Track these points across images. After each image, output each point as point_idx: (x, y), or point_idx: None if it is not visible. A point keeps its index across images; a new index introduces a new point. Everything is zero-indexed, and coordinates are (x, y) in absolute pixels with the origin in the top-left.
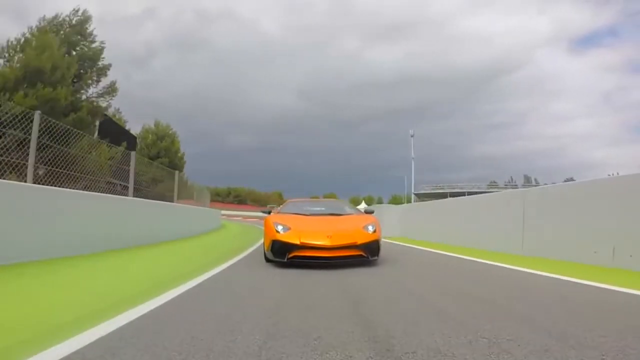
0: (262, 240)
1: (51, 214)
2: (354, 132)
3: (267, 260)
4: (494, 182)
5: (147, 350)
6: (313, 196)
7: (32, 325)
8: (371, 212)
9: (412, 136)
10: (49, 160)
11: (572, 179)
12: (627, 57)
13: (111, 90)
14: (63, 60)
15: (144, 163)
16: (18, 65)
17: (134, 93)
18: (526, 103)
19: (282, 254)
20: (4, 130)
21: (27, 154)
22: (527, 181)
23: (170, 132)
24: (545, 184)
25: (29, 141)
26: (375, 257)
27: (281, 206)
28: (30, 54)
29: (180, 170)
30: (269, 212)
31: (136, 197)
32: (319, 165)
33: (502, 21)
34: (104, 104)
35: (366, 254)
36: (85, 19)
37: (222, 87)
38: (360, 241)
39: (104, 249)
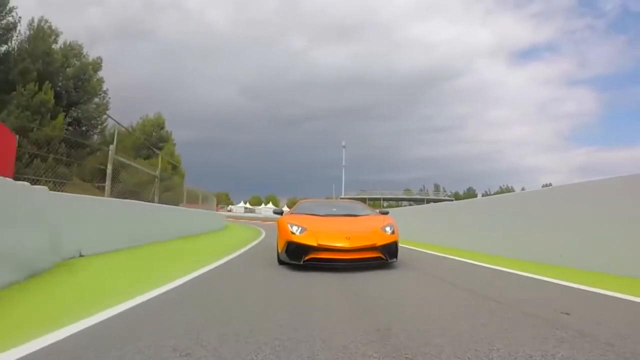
0: (263, 232)
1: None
2: (296, 130)
3: (281, 262)
4: (408, 189)
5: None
6: (254, 195)
7: (214, 248)
8: (386, 213)
9: (344, 147)
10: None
11: (472, 189)
12: (563, 71)
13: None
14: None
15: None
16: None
17: None
18: (466, 109)
19: (297, 257)
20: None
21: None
22: (437, 189)
23: (180, 164)
24: (450, 192)
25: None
26: (394, 260)
27: (294, 207)
28: (165, 158)
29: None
30: (281, 213)
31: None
32: (260, 163)
33: (446, 30)
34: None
35: (385, 256)
36: (163, 119)
37: (162, 79)
38: (379, 242)
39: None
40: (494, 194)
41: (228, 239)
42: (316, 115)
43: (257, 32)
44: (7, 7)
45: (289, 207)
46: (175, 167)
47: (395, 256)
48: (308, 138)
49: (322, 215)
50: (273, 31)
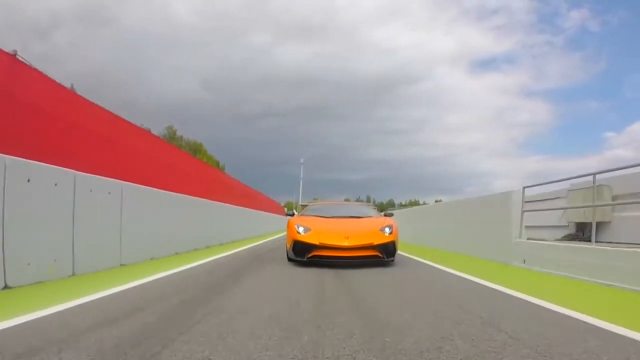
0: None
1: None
2: (254, 126)
3: (289, 259)
4: (348, 198)
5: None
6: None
7: (267, 235)
8: (390, 215)
9: (302, 163)
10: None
11: (392, 200)
12: (520, 83)
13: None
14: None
15: None
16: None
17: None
18: (423, 113)
19: (302, 254)
20: None
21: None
22: (368, 200)
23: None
24: (376, 202)
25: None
26: (391, 258)
27: (304, 209)
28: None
29: None
30: (292, 214)
31: None
32: (223, 160)
33: (408, 36)
34: None
35: (382, 255)
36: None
37: (120, 68)
38: (376, 242)
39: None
40: (406, 204)
41: None
42: (274, 112)
43: (222, 25)
44: None
45: None
46: None
47: (393, 255)
48: (266, 135)
49: (327, 217)
50: (237, 26)
